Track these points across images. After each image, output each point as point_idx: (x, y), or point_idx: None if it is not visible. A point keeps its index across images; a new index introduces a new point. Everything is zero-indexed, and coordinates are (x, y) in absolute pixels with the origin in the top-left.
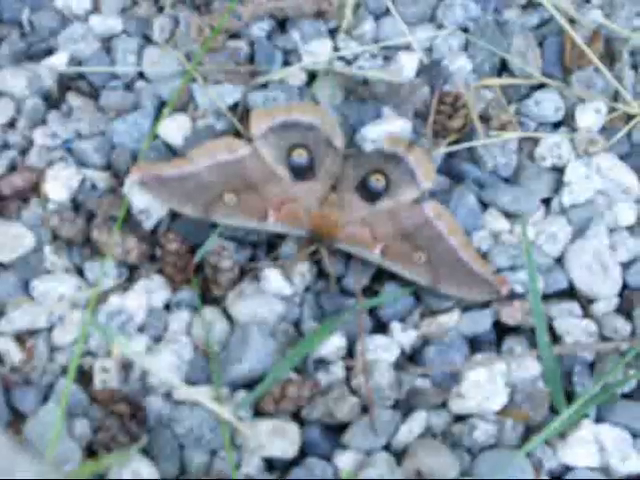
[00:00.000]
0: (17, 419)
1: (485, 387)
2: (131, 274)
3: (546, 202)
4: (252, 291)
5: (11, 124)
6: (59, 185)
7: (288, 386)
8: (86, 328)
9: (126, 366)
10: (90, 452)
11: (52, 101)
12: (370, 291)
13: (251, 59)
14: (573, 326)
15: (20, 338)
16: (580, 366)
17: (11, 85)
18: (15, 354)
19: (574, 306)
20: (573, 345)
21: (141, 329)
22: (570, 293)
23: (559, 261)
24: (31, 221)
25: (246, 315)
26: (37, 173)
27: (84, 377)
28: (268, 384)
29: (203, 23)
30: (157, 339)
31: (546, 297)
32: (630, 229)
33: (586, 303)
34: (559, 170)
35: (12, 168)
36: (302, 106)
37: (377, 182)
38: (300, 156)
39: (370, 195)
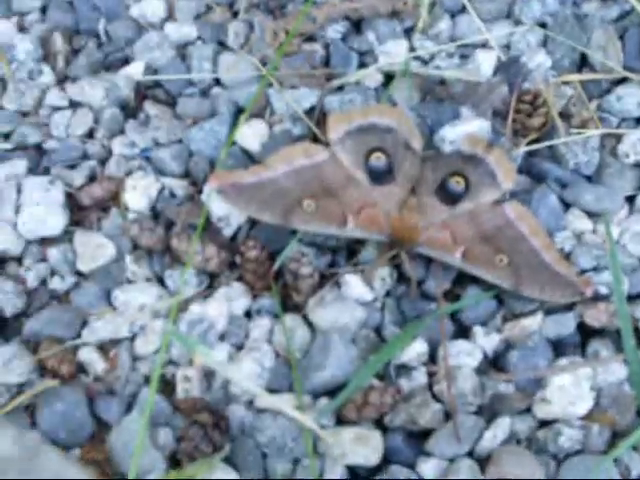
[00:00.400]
0: (101, 429)
1: (570, 392)
2: (211, 282)
3: (630, 200)
4: (333, 298)
5: (90, 134)
6: (138, 194)
7: (370, 393)
8: (168, 337)
9: (208, 375)
10: (174, 461)
11: (129, 110)
12: (451, 295)
13: (327, 62)
14: None
15: (103, 348)
16: None
17: (89, 96)
18: (98, 364)
19: None
20: None
21: (222, 337)
22: None
23: None
24: (111, 231)
25: (327, 322)
26: (116, 182)
27: (166, 386)
28: (350, 391)
29: (277, 27)
30: (238, 347)
31: (631, 298)
32: None
33: None
34: None
35: (92, 178)
36: (379, 108)
37: (457, 184)
38: (378, 159)
39: (450, 198)
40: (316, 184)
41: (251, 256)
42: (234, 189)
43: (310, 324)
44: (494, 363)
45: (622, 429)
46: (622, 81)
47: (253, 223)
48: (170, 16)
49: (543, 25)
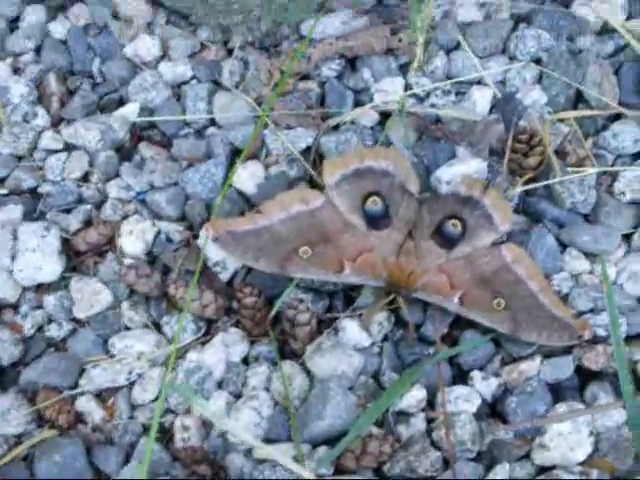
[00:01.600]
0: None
1: (569, 437)
2: (208, 328)
3: (627, 238)
4: (330, 345)
5: (85, 178)
6: (134, 239)
7: (369, 442)
8: (166, 387)
9: (207, 423)
10: None
11: (125, 152)
12: (449, 338)
13: (322, 100)
14: None
15: (100, 396)
16: None
17: (84, 138)
18: (96, 413)
19: None
20: None
21: (220, 385)
22: None
23: None
24: (108, 276)
25: (325, 370)
26: (112, 227)
27: (165, 435)
28: (349, 440)
29: (272, 66)
30: (236, 395)
31: (630, 339)
32: None
33: None
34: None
35: (87, 222)
36: (375, 152)
37: (454, 228)
38: (375, 204)
39: (447, 241)
40: (312, 230)
41: (248, 302)
42: (230, 237)
43: (308, 371)
44: (493, 408)
45: (621, 474)
46: (618, 117)
47: (250, 268)
48: (164, 55)
49: (538, 61)
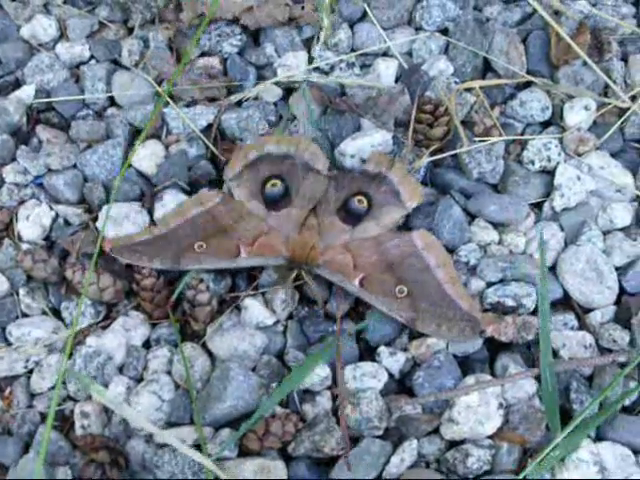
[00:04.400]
0: None
1: (478, 410)
2: (109, 312)
3: (538, 206)
4: (231, 324)
5: None
6: (31, 224)
7: (272, 422)
8: (63, 374)
9: (108, 409)
10: None
11: (21, 136)
12: (356, 313)
13: (225, 77)
14: (569, 339)
15: None
16: (577, 382)
17: None
18: None
19: (570, 317)
20: (570, 362)
21: (121, 369)
22: (565, 303)
23: (552, 269)
24: (4, 263)
25: (226, 350)
26: (8, 212)
27: (65, 423)
28: (253, 422)
29: (173, 43)
30: (138, 380)
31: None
32: (626, 230)
33: (582, 313)
34: (549, 173)
35: None
36: (276, 138)
37: (359, 204)
38: (274, 186)
39: (352, 217)
40: (208, 227)
41: (147, 284)
42: (125, 249)
43: (210, 353)
44: (402, 383)
45: (533, 446)
46: (526, 86)
47: None
48: (62, 35)
49: (445, 31)
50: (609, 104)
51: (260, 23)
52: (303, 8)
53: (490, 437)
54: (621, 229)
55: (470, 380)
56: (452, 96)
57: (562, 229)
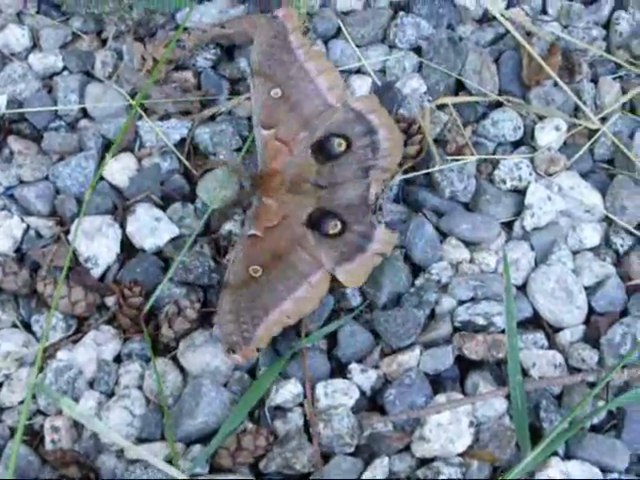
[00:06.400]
0: None
1: (448, 428)
2: (80, 325)
3: (509, 225)
4: (204, 340)
5: None
6: (2, 235)
7: (243, 437)
8: (33, 388)
9: (78, 424)
10: None
11: None
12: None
13: (199, 90)
14: (539, 358)
15: None
16: (546, 400)
17: None
18: None
19: (540, 336)
20: (540, 381)
21: (91, 384)
22: (535, 321)
23: (523, 288)
24: None
25: (198, 366)
26: None
27: (35, 437)
28: (222, 437)
29: (146, 54)
30: (109, 394)
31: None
32: (595, 250)
33: (551, 332)
34: (520, 192)
35: None
36: None
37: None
38: None
39: None
40: None
41: (134, 302)
42: None
43: (182, 368)
44: (373, 400)
45: (503, 464)
46: (499, 105)
47: (122, 263)
48: (35, 45)
49: (418, 49)
50: (579, 125)
51: (234, 41)
52: None
53: (461, 455)
54: (590, 249)
55: (441, 398)
56: (425, 114)
57: (532, 248)
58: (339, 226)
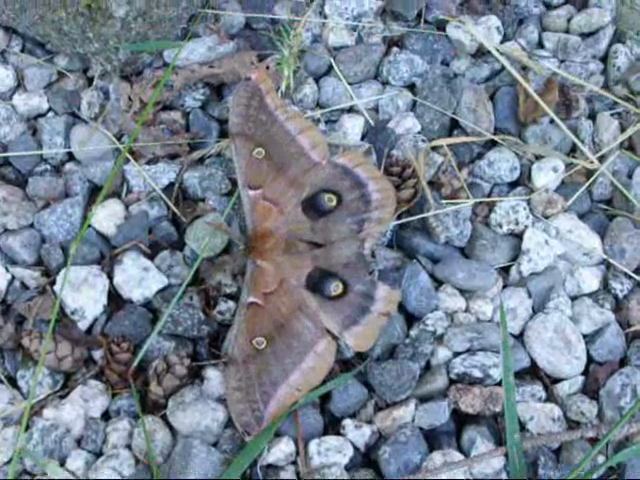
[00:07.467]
0: None
1: None
2: (67, 380)
3: (505, 270)
4: (193, 398)
5: None
6: None
7: None
8: (19, 451)
9: None
10: None
11: None
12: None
13: (187, 132)
14: (537, 411)
15: None
16: (544, 457)
17: None
18: None
19: (538, 388)
20: (538, 438)
21: (79, 442)
22: (533, 372)
23: (520, 337)
24: None
25: (188, 426)
26: None
27: None
28: None
29: (133, 94)
30: (97, 453)
31: None
32: (593, 295)
33: (550, 383)
34: (517, 236)
35: None
36: None
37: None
38: None
39: None
40: None
41: (122, 358)
42: None
43: (171, 426)
44: (367, 456)
45: None
46: (494, 144)
47: (110, 316)
48: (19, 85)
49: (412, 86)
50: (577, 164)
51: (223, 79)
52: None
53: None
54: (589, 294)
55: (437, 456)
56: (420, 157)
57: (530, 295)
58: (341, 287)
